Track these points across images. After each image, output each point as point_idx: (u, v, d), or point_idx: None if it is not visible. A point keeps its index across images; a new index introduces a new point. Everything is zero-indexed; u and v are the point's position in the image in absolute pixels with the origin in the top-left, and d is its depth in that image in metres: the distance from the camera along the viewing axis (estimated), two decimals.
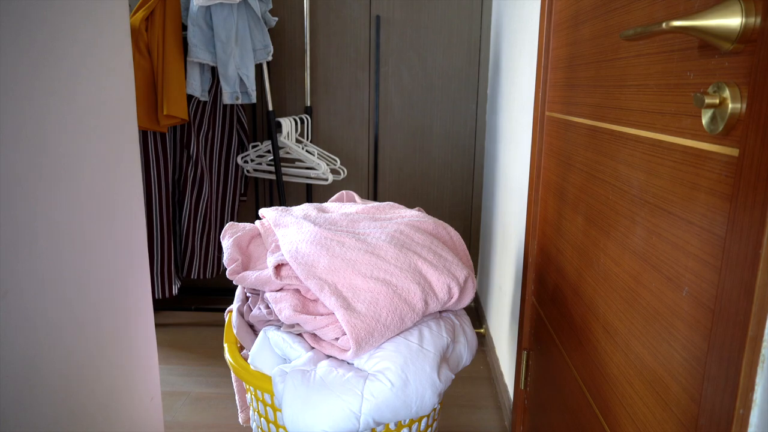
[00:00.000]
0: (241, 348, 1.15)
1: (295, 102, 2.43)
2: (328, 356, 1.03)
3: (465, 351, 1.08)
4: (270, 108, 2.09)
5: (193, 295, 2.54)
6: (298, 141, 2.26)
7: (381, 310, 0.96)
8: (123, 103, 1.11)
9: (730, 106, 0.52)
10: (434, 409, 1.08)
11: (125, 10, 1.10)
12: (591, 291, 0.93)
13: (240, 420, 1.27)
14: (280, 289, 1.05)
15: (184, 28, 1.96)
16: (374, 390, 0.90)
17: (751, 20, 0.50)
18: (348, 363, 0.99)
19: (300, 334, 1.03)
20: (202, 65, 2.00)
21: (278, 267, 1.05)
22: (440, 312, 1.11)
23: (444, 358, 0.99)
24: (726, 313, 0.53)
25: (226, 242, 1.18)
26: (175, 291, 2.21)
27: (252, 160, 2.26)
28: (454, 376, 0.98)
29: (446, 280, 1.04)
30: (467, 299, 1.11)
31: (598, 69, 0.92)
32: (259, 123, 2.44)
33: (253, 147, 2.26)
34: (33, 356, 0.84)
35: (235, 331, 1.14)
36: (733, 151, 0.53)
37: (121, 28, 1.09)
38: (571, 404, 1.03)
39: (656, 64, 0.70)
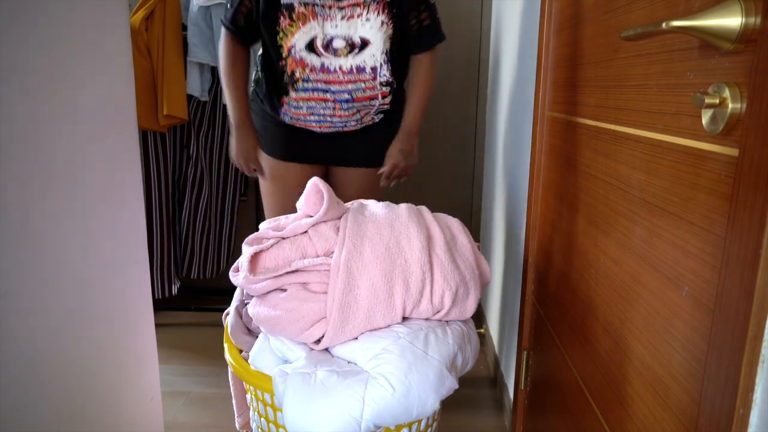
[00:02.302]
0: (241, 349, 1.15)
1: None
2: (328, 356, 1.02)
3: (470, 357, 1.08)
4: None
5: (193, 295, 2.54)
6: None
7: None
8: (123, 103, 1.11)
9: (730, 106, 0.52)
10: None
11: (125, 10, 1.10)
12: (591, 291, 0.93)
13: (237, 425, 1.27)
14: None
15: (184, 28, 1.96)
16: (375, 395, 0.90)
17: (751, 20, 0.50)
18: (348, 363, 0.99)
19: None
20: (202, 65, 2.00)
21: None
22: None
23: (449, 366, 0.98)
24: (726, 313, 0.53)
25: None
26: (174, 291, 2.20)
27: None
28: (458, 386, 0.98)
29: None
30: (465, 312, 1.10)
31: (598, 69, 0.92)
32: None
33: None
34: (33, 356, 0.84)
35: (229, 330, 1.14)
36: (733, 151, 0.53)
37: (121, 28, 1.09)
38: (571, 404, 1.03)
39: (656, 64, 0.70)
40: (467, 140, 2.44)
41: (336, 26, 1.33)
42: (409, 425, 1.01)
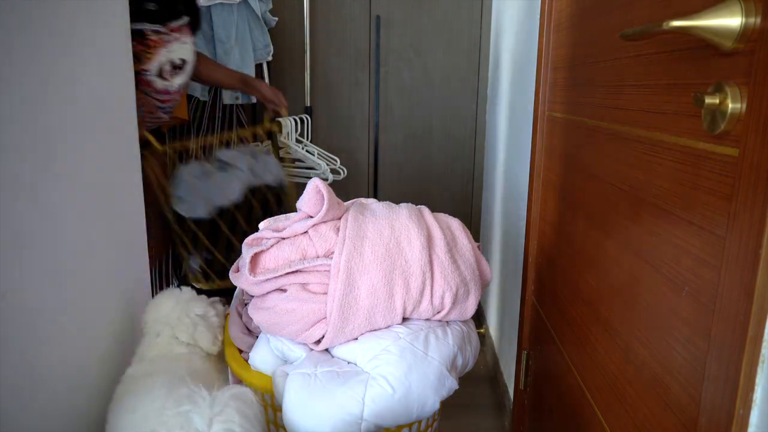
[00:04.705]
0: (241, 349, 1.15)
1: (295, 102, 2.43)
2: (328, 357, 1.02)
3: (470, 358, 1.08)
4: None
5: None
6: (298, 141, 2.25)
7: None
8: (123, 103, 1.11)
9: (730, 106, 0.52)
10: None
11: (125, 10, 1.10)
12: (591, 291, 0.93)
13: None
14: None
15: None
16: (375, 396, 0.90)
17: (751, 20, 0.50)
18: (348, 363, 0.99)
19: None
20: None
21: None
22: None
23: (449, 366, 0.98)
24: (726, 313, 0.53)
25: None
26: None
27: None
28: (458, 386, 0.98)
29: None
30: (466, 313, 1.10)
31: (598, 69, 0.92)
32: (259, 123, 2.44)
33: None
34: (33, 356, 0.84)
35: (229, 330, 1.14)
36: (733, 151, 0.53)
37: (121, 28, 1.09)
38: (571, 404, 1.03)
39: (656, 64, 0.70)
40: (467, 140, 2.44)
41: (170, 51, 1.41)
42: (409, 426, 1.01)
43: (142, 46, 1.35)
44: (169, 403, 0.81)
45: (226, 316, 1.19)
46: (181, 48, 1.43)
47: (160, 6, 1.36)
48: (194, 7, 1.50)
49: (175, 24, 1.39)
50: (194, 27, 1.50)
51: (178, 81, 1.47)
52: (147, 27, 1.33)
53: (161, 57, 1.38)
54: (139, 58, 1.34)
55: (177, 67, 1.44)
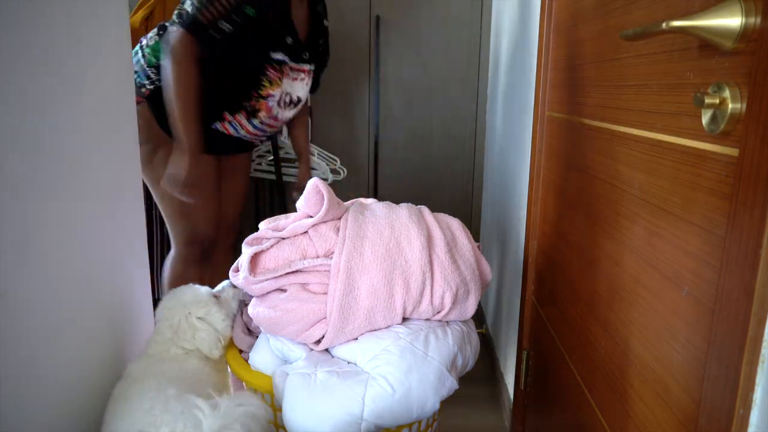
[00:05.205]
0: (241, 349, 1.15)
1: None
2: (328, 357, 1.02)
3: (470, 358, 1.08)
4: None
5: None
6: None
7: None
8: (123, 103, 1.11)
9: (730, 106, 0.52)
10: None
11: (125, 10, 1.10)
12: (591, 291, 0.93)
13: None
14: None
15: None
16: (375, 396, 0.90)
17: (751, 20, 0.50)
18: (348, 363, 0.99)
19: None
20: None
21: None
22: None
23: (449, 366, 0.98)
24: (726, 313, 0.53)
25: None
26: None
27: (252, 160, 2.26)
28: (458, 386, 0.98)
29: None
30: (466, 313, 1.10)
31: (598, 69, 0.92)
32: None
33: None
34: (33, 356, 0.84)
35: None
36: (733, 151, 0.53)
37: (121, 28, 1.09)
38: (571, 404, 1.03)
39: (656, 64, 0.70)
40: (467, 140, 2.44)
41: (291, 85, 1.59)
42: (410, 425, 1.01)
43: (277, 72, 1.53)
44: (158, 404, 0.82)
45: (240, 301, 1.18)
46: (301, 86, 1.63)
47: (295, 43, 1.53)
48: (321, 59, 1.72)
49: (304, 65, 1.60)
50: (317, 73, 1.72)
51: (288, 114, 1.65)
52: (284, 58, 1.52)
53: (286, 87, 1.57)
54: (271, 83, 1.54)
55: (292, 102, 1.63)
